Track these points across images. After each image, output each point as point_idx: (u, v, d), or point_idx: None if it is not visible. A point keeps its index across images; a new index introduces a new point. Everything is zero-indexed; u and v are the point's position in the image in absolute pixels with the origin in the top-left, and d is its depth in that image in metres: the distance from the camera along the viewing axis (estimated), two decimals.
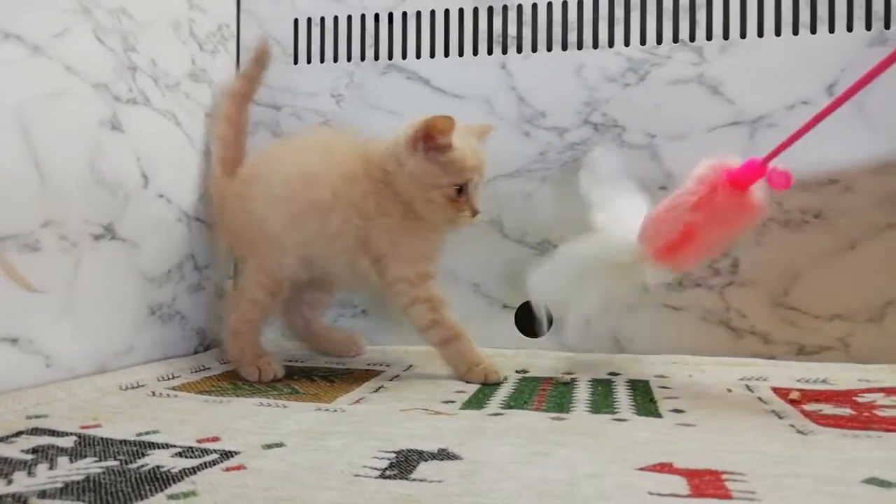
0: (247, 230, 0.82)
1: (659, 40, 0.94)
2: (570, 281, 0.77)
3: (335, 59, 1.04)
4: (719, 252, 0.69)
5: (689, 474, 0.44)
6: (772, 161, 0.64)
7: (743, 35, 0.91)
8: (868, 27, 0.87)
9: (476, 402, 0.67)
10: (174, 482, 0.42)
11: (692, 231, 0.67)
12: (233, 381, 0.76)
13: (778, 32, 0.90)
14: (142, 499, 0.39)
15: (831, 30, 0.89)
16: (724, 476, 0.44)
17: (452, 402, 0.67)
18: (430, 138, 0.74)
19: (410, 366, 0.86)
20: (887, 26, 0.87)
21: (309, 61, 1.05)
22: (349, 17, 1.03)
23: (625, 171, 0.83)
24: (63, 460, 0.46)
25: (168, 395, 0.68)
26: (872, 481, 0.43)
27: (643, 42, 0.94)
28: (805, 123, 0.62)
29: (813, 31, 0.89)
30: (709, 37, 0.92)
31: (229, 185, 0.86)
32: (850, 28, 0.88)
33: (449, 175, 0.75)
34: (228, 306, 0.83)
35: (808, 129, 0.62)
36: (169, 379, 0.76)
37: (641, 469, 0.45)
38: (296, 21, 1.05)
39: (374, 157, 0.78)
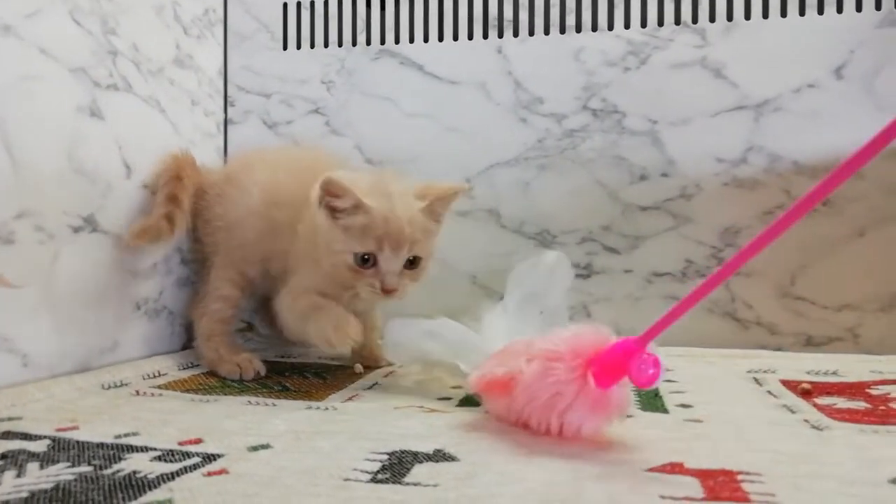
0: (221, 224, 0.81)
1: (660, 22, 0.91)
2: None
3: (326, 45, 1.01)
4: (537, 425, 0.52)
5: (702, 475, 0.41)
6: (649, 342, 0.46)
7: (747, 16, 0.88)
8: (878, 7, 0.84)
9: (474, 399, 0.64)
10: (150, 489, 0.39)
11: (510, 384, 0.53)
12: (221, 379, 0.73)
13: (784, 13, 0.87)
14: None
15: (839, 10, 0.85)
16: (740, 477, 0.41)
17: (449, 398, 0.65)
18: (328, 199, 0.66)
19: None
20: None
21: (299, 47, 1.01)
22: (340, 1, 1.00)
23: (567, 288, 0.69)
24: (33, 466, 0.43)
25: (152, 394, 0.65)
26: None
27: (644, 24, 0.91)
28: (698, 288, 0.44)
29: (820, 11, 0.86)
30: (712, 18, 0.89)
31: (208, 175, 0.84)
32: (859, 8, 0.85)
33: (349, 241, 0.66)
34: (197, 312, 0.80)
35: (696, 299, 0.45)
36: (155, 377, 0.73)
37: (650, 470, 0.43)
38: (285, 5, 1.01)
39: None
